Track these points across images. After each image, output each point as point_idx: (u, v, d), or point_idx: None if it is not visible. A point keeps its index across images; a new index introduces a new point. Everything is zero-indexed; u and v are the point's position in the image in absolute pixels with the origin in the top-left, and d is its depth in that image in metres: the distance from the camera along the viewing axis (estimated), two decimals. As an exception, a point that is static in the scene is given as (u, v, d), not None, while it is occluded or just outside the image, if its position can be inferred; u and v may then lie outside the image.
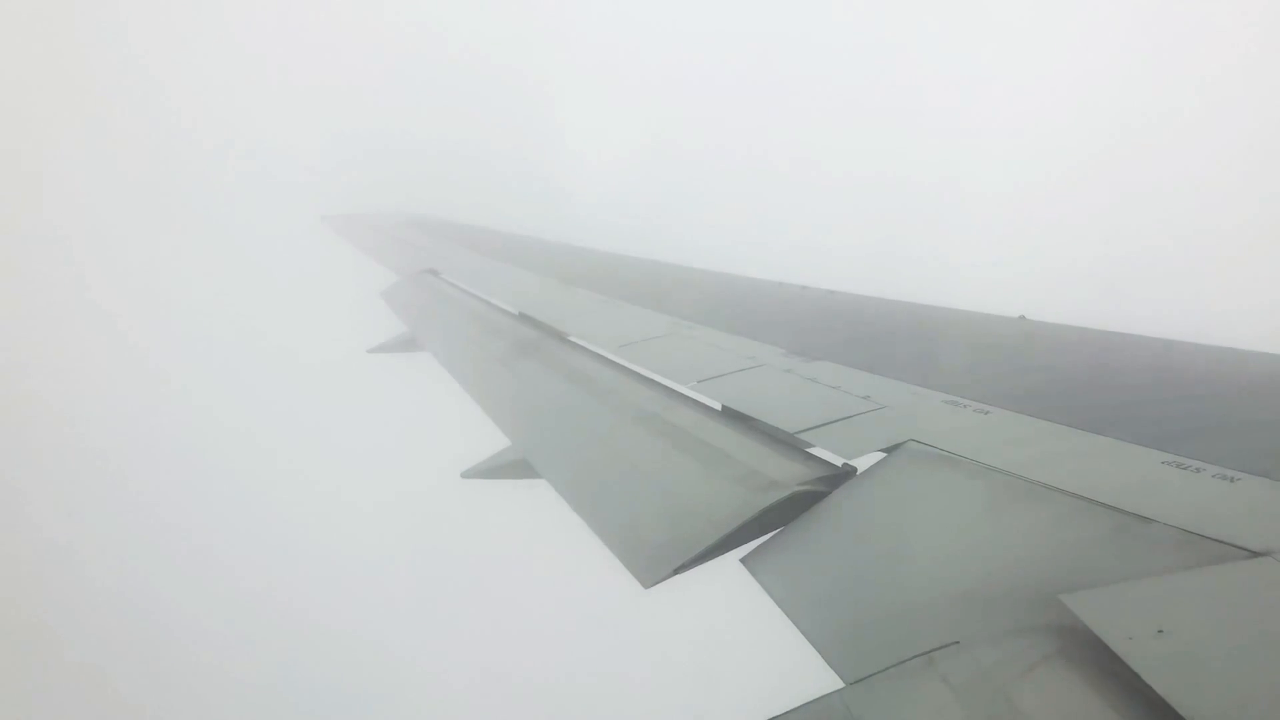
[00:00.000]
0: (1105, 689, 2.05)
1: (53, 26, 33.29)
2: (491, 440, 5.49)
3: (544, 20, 36.54)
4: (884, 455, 3.69)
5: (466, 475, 5.50)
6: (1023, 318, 5.73)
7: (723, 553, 3.49)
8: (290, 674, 20.51)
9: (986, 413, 3.87)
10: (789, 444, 4.10)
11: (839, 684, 2.53)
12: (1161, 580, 2.36)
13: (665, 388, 5.33)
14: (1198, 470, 2.93)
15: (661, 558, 3.52)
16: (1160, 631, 2.09)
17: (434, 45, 34.82)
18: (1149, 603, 2.25)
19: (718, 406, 4.79)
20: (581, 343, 6.73)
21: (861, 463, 3.71)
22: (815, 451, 3.97)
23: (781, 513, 3.56)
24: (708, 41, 35.35)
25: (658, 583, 3.43)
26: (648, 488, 4.26)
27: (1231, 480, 2.81)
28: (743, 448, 4.22)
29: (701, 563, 3.48)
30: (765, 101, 32.31)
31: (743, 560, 3.45)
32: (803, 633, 2.85)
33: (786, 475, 3.78)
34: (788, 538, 3.47)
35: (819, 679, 2.60)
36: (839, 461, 3.78)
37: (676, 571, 3.44)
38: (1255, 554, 2.36)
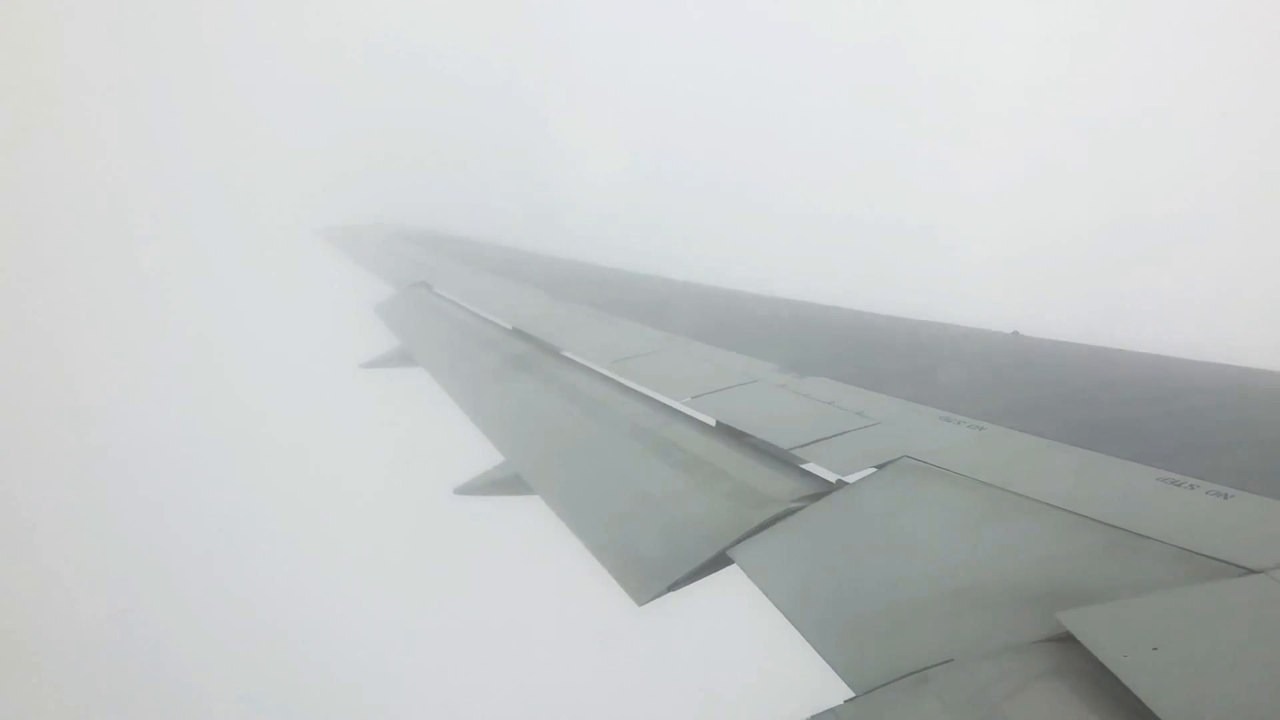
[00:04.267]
0: (1100, 706, 2.05)
1: (49, 32, 33.32)
2: (485, 456, 5.47)
3: (540, 32, 36.71)
4: (877, 471, 3.69)
5: (460, 492, 5.47)
6: (1016, 334, 5.74)
7: (717, 570, 3.47)
8: (282, 691, 20.36)
9: (981, 429, 3.87)
10: (783, 460, 4.10)
11: (831, 692, 2.52)
12: (1156, 597, 2.35)
13: (659, 403, 5.33)
14: (1192, 487, 2.93)
15: (655, 575, 3.51)
16: (1155, 649, 2.08)
17: (430, 58, 34.94)
18: (1144, 620, 2.24)
19: (712, 422, 4.78)
20: (575, 358, 6.72)
21: (855, 479, 3.71)
22: (809, 468, 3.96)
23: None
24: (705, 56, 35.53)
25: (651, 600, 3.42)
26: (642, 504, 4.25)
27: (1226, 497, 2.81)
28: (737, 464, 4.21)
29: (695, 580, 3.46)
30: (760, 115, 32.46)
31: (731, 553, 3.42)
32: (799, 630, 2.83)
33: (780, 491, 3.78)
34: (779, 543, 3.45)
35: (814, 690, 2.59)
36: (833, 478, 3.77)
37: (671, 589, 3.42)
38: (1250, 571, 2.36)
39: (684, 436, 4.76)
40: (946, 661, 2.40)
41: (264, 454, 24.51)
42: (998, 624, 2.52)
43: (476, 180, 27.73)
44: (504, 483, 5.20)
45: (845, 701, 2.47)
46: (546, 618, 19.20)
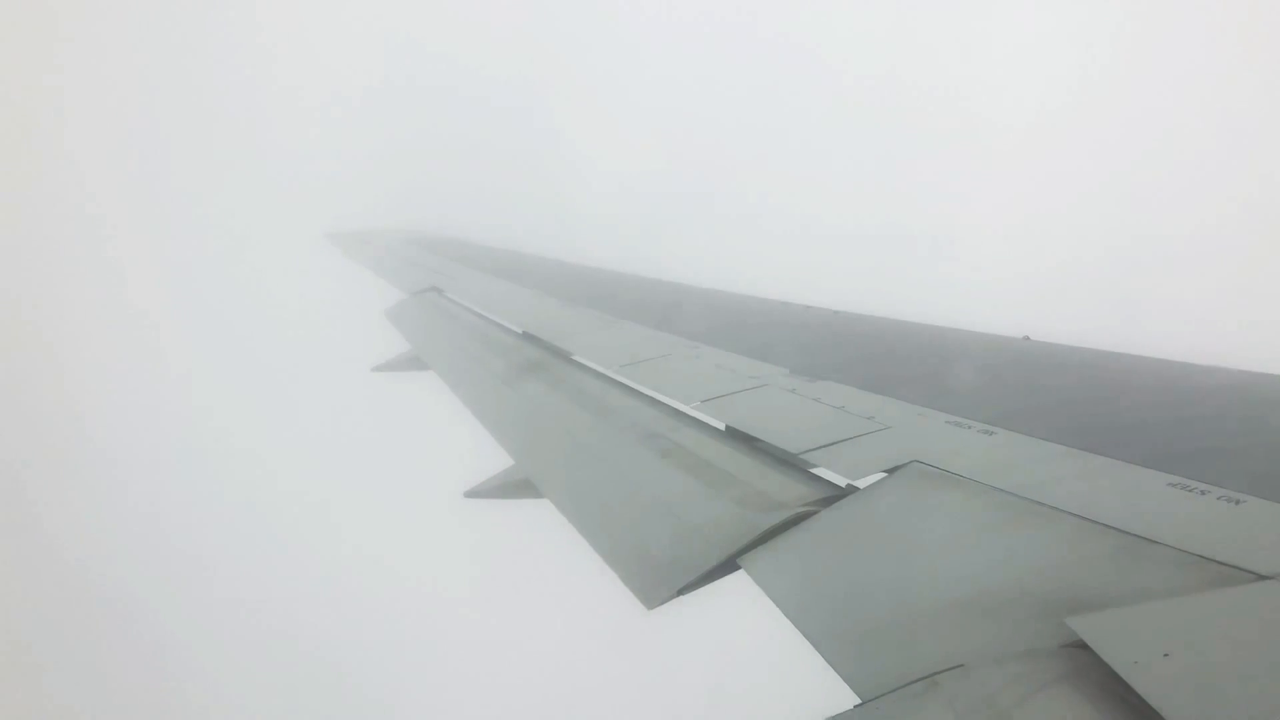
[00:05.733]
0: (1112, 712, 2.04)
1: (57, 33, 33.52)
2: (495, 460, 5.49)
3: (550, 36, 36.80)
4: (887, 475, 3.69)
5: (470, 495, 5.48)
6: (1027, 338, 5.72)
7: (726, 574, 3.47)
8: (292, 692, 20.41)
9: (991, 434, 3.86)
10: (793, 464, 4.10)
11: (840, 697, 2.51)
12: (1167, 603, 2.34)
13: (669, 407, 5.33)
14: (1203, 493, 2.91)
15: (665, 579, 3.51)
16: (1166, 655, 2.07)
17: (441, 62, 35.05)
18: (1154, 626, 2.23)
19: (721, 426, 4.78)
20: (585, 362, 6.73)
21: (865, 484, 3.71)
22: (819, 472, 3.96)
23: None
24: (718, 60, 35.55)
25: (661, 604, 3.42)
26: (651, 508, 4.25)
27: (1237, 503, 2.80)
28: (746, 468, 4.21)
29: (705, 584, 3.46)
30: (770, 118, 32.46)
31: (740, 561, 3.42)
32: (807, 636, 2.83)
33: (790, 496, 3.77)
34: (788, 549, 3.45)
35: (823, 695, 2.58)
36: (843, 482, 3.77)
37: (680, 593, 3.42)
38: (1261, 577, 2.35)
39: (693, 440, 4.76)
40: (957, 667, 2.40)
41: (275, 457, 24.60)
42: (1008, 630, 2.51)
43: (487, 184, 27.80)
44: (514, 486, 5.21)
45: (854, 707, 2.47)
46: (555, 621, 19.20)
